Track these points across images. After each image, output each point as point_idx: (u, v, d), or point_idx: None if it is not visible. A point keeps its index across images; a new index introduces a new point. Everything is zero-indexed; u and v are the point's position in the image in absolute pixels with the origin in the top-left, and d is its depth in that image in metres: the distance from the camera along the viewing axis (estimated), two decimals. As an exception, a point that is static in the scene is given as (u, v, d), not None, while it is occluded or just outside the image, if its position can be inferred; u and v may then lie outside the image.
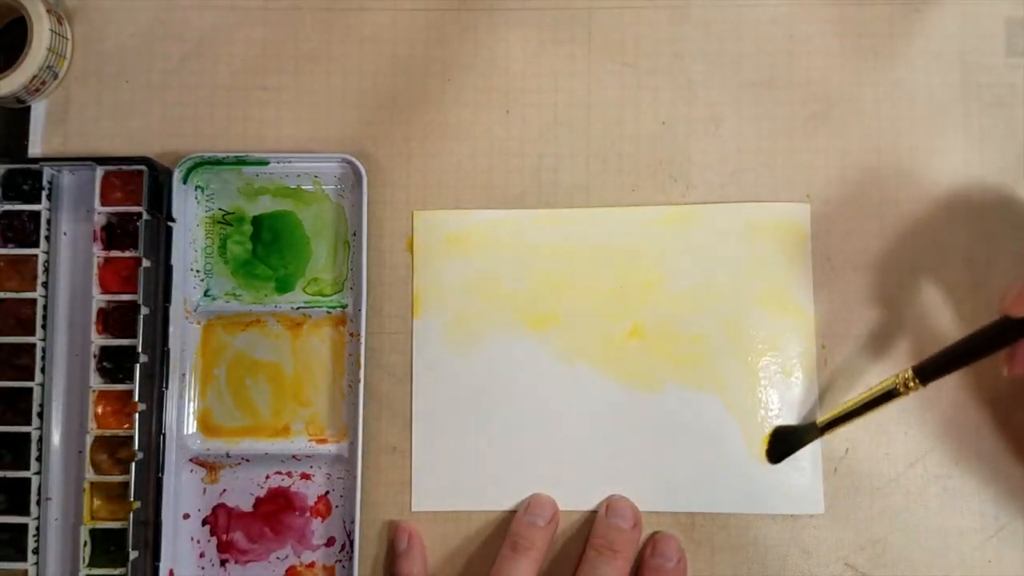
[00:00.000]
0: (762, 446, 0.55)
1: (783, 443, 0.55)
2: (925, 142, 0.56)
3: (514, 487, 0.55)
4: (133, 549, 0.52)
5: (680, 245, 0.56)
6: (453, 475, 0.56)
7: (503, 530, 0.55)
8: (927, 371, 0.49)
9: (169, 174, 0.56)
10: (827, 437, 0.54)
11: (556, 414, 0.56)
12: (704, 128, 0.57)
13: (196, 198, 0.57)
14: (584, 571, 0.52)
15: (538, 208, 0.57)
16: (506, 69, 0.58)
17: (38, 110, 0.58)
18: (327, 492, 0.56)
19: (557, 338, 0.56)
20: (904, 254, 0.56)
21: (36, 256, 0.55)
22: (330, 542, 0.56)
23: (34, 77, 0.56)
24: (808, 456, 0.55)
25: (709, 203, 0.56)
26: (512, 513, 0.55)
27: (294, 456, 0.55)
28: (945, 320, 0.55)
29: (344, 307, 0.56)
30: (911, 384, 0.49)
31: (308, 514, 0.56)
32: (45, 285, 0.55)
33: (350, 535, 0.54)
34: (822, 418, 0.53)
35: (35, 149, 0.58)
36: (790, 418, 0.55)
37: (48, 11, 0.56)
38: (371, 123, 0.58)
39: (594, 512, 0.55)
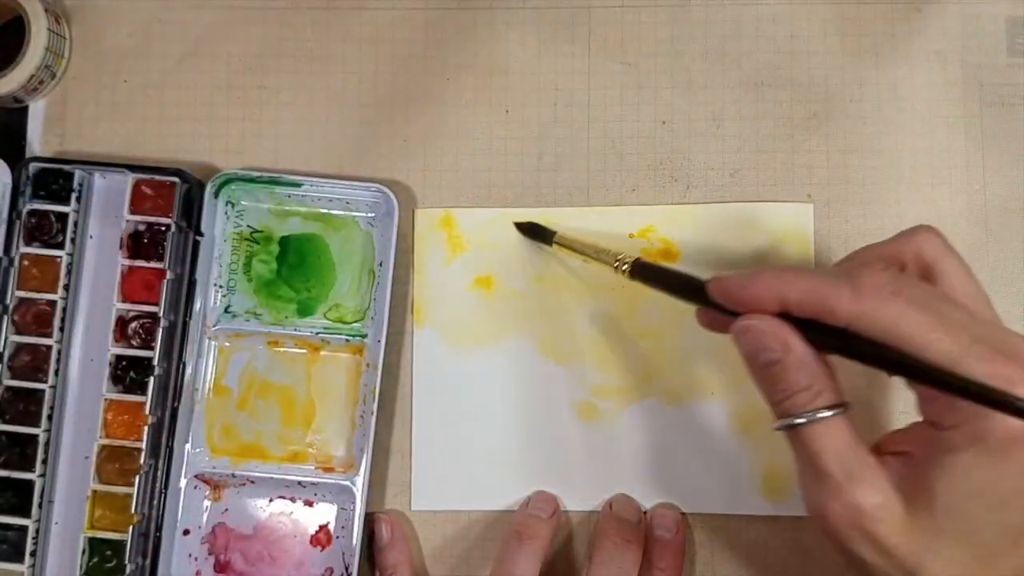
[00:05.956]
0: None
1: (531, 228, 0.56)
2: (926, 142, 0.56)
3: (514, 487, 0.55)
4: (130, 562, 0.52)
5: (681, 246, 0.56)
6: (453, 475, 0.56)
7: (503, 530, 0.55)
8: (643, 274, 0.50)
9: (201, 187, 0.55)
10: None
11: (556, 415, 0.55)
12: (705, 128, 0.57)
13: (226, 213, 0.57)
14: (601, 560, 0.52)
15: (538, 208, 0.57)
16: (506, 69, 0.58)
17: (36, 110, 0.58)
18: (329, 522, 0.56)
19: (557, 338, 0.56)
20: (905, 254, 0.56)
21: (60, 258, 0.54)
22: (327, 572, 0.55)
23: (32, 76, 0.55)
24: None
25: (710, 203, 0.56)
26: (512, 513, 0.55)
27: (299, 482, 0.55)
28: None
29: (363, 336, 0.56)
30: (624, 269, 0.50)
31: (308, 542, 0.56)
32: (67, 288, 0.55)
33: (348, 568, 0.54)
34: (559, 237, 0.55)
35: (33, 149, 0.58)
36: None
37: (46, 10, 0.55)
38: (371, 123, 0.58)
39: (594, 512, 0.55)
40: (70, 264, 0.55)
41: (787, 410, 0.41)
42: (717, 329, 0.47)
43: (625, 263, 0.50)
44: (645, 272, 0.50)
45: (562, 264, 0.56)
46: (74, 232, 0.55)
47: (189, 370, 0.55)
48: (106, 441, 0.53)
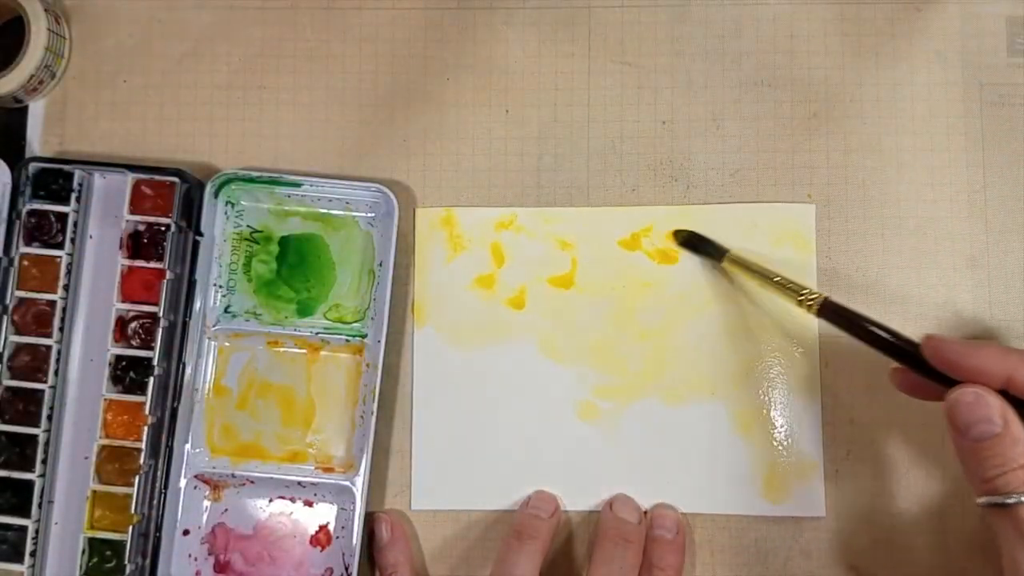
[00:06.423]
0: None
1: (695, 241, 0.56)
2: (926, 142, 0.56)
3: (514, 487, 0.55)
4: (130, 562, 0.52)
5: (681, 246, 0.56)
6: (453, 475, 0.56)
7: (503, 529, 0.55)
8: (831, 315, 0.49)
9: (201, 187, 0.55)
10: (828, 439, 0.54)
11: (556, 415, 0.55)
12: (705, 128, 0.57)
13: (226, 213, 0.57)
14: (601, 560, 0.51)
15: (538, 207, 0.57)
16: (506, 69, 0.58)
17: (36, 110, 0.58)
18: (329, 522, 0.56)
19: (556, 338, 0.56)
20: (904, 254, 0.56)
21: (60, 258, 0.54)
22: (327, 573, 0.55)
23: (32, 76, 0.56)
24: (809, 458, 0.54)
25: (710, 203, 0.56)
26: (512, 513, 0.55)
27: (299, 483, 0.55)
28: (947, 319, 0.55)
29: (363, 336, 0.56)
30: (810, 305, 0.50)
31: (308, 542, 0.56)
32: (67, 288, 0.55)
33: (348, 568, 0.54)
34: (732, 255, 0.54)
35: (33, 149, 0.58)
36: (791, 420, 0.55)
37: (46, 10, 0.56)
38: (371, 123, 0.58)
39: (594, 512, 0.55)
40: (70, 264, 0.55)
41: (998, 487, 0.41)
42: (910, 391, 0.47)
43: (812, 299, 0.50)
44: (835, 314, 0.49)
45: (562, 264, 0.56)
46: (74, 232, 0.55)
47: (189, 370, 0.55)
48: (106, 441, 0.53)
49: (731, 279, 0.56)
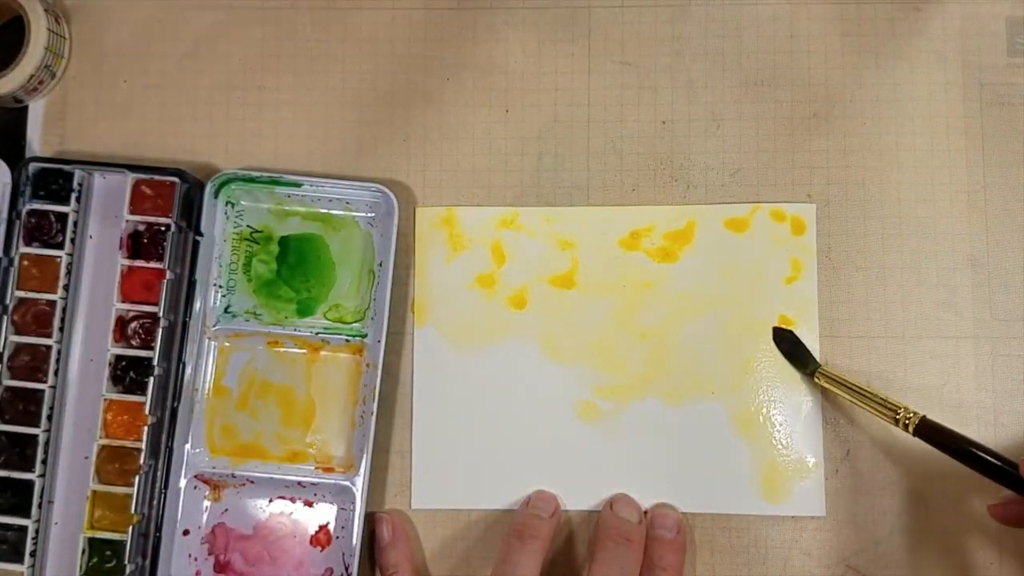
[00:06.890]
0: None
1: (790, 344, 0.55)
2: (926, 142, 0.56)
3: (514, 486, 0.55)
4: (130, 562, 0.52)
5: (682, 246, 0.56)
6: (453, 475, 0.56)
7: (503, 529, 0.55)
8: (929, 434, 0.49)
9: (201, 187, 0.55)
10: (828, 439, 0.54)
11: (555, 414, 0.55)
12: (705, 128, 0.57)
13: (226, 213, 0.57)
14: (602, 559, 0.51)
15: (538, 207, 0.57)
16: (506, 68, 0.58)
17: (36, 109, 0.58)
18: (329, 522, 0.56)
19: (557, 338, 0.56)
20: (904, 254, 0.56)
21: (60, 258, 0.54)
22: (327, 572, 0.55)
23: (32, 76, 0.56)
24: (809, 458, 0.54)
25: (710, 203, 0.56)
26: (512, 512, 0.55)
27: (299, 483, 0.55)
28: (947, 320, 0.55)
29: (363, 336, 0.56)
30: (908, 425, 0.49)
31: (308, 542, 0.56)
32: (67, 288, 0.55)
33: (348, 568, 0.54)
34: (824, 370, 0.54)
35: (33, 149, 0.58)
36: (791, 419, 0.55)
37: (46, 10, 0.56)
38: (371, 123, 0.58)
39: (594, 512, 0.55)
40: (70, 264, 0.55)
41: None
42: (1014, 522, 0.47)
43: (908, 419, 0.50)
44: (933, 433, 0.49)
45: (562, 264, 0.56)
46: (74, 232, 0.55)
47: (189, 370, 0.55)
48: (106, 441, 0.53)
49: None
